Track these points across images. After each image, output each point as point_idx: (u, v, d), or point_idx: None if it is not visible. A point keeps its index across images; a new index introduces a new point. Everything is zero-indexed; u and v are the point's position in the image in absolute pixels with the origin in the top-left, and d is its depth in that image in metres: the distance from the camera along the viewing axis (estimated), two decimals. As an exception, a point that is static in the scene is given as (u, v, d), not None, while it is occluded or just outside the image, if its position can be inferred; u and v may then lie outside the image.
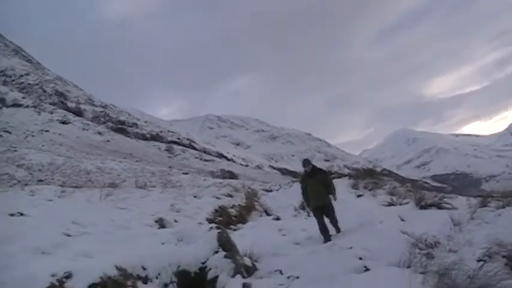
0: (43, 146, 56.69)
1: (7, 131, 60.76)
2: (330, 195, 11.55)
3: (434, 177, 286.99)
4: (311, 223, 11.38)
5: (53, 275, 6.44)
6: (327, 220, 11.46)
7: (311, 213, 12.30)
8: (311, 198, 11.56)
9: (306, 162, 11.84)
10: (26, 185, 23.14)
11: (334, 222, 11.55)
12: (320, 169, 12.10)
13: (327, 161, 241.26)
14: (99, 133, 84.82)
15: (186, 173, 46.65)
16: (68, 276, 6.60)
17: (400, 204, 14.81)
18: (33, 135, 64.43)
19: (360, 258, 8.09)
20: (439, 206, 13.03)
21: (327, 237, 11.06)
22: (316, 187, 11.43)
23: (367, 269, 7.53)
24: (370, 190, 18.90)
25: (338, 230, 11.49)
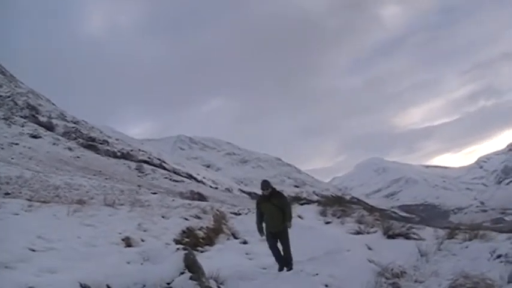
0: (12, 159, 55.96)
1: (-25, 143, 59.91)
2: (287, 223, 11.00)
3: (402, 208, 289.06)
4: (280, 247, 11.35)
5: (15, 290, 6.37)
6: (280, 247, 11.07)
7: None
8: (266, 223, 11.13)
9: (265, 185, 11.10)
10: (-9, 197, 22.76)
11: (287, 253, 11.00)
12: (279, 193, 11.40)
13: (296, 187, 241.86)
14: (70, 149, 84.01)
15: (155, 193, 46.37)
16: (31, 291, 6.52)
17: (368, 233, 14.91)
18: (2, 148, 63.58)
19: (326, 286, 8.16)
20: (406, 236, 13.16)
21: (281, 265, 10.86)
22: (273, 212, 10.92)
23: (332, 297, 7.59)
24: (338, 218, 18.95)
25: (288, 264, 10.82)
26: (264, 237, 11.38)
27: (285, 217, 10.96)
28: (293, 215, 19.84)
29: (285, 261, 10.91)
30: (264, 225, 11.28)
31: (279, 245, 11.12)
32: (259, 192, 11.09)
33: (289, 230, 11.09)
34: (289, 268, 10.63)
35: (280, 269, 10.77)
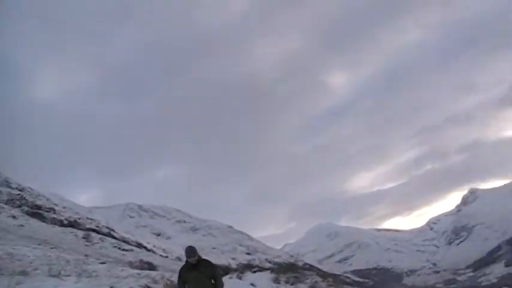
0: (-50, 228, 53.57)
1: None
2: None
3: (355, 272, 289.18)
4: None
5: None
6: None
7: None
8: None
9: (191, 251, 9.59)
10: None
11: None
12: (208, 261, 9.98)
13: (248, 254, 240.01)
14: (13, 217, 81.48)
15: (104, 263, 44.64)
16: None
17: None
18: None
19: None
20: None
21: None
22: (201, 283, 9.52)
23: None
24: (291, 284, 18.51)
25: None
26: None
27: (217, 286, 9.73)
28: (246, 283, 19.15)
29: None
30: None
31: None
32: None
33: None
34: None
35: None
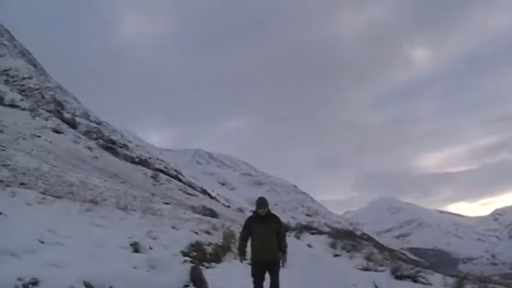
0: (32, 150, 56.28)
1: (-1, 130, 60.44)
2: (280, 253, 9.13)
3: (412, 250, 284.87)
4: (285, 275, 10.89)
5: (19, 279, 6.33)
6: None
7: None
8: (256, 249, 9.08)
9: (262, 202, 9.17)
10: (7, 185, 22.94)
11: (275, 286, 8.99)
12: (277, 217, 9.46)
13: (308, 215, 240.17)
14: (89, 148, 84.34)
15: (168, 203, 46.36)
16: (35, 283, 6.48)
17: (376, 271, 14.70)
18: (24, 138, 64.02)
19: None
20: (414, 279, 12.93)
21: None
22: (267, 237, 9.00)
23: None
24: (347, 251, 18.78)
25: None
26: (244, 263, 9.92)
27: (281, 245, 9.16)
28: (303, 243, 19.53)
29: None
30: (248, 251, 9.42)
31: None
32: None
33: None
34: None
35: None
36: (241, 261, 9.61)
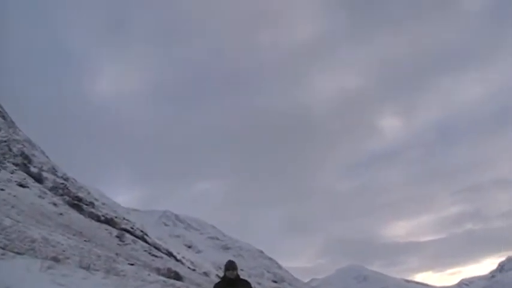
0: (-6, 204, 54.97)
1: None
2: None
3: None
4: None
5: None
6: None
7: None
8: None
9: (231, 265, 8.93)
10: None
11: None
12: (247, 281, 9.24)
13: (274, 282, 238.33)
14: (55, 204, 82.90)
15: (132, 264, 45.21)
16: None
17: None
18: (-14, 192, 62.70)
19: None
20: None
21: None
22: None
23: None
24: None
25: None
26: None
27: None
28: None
29: None
30: None
31: None
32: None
33: None
34: None
35: None
36: None
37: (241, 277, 9.12)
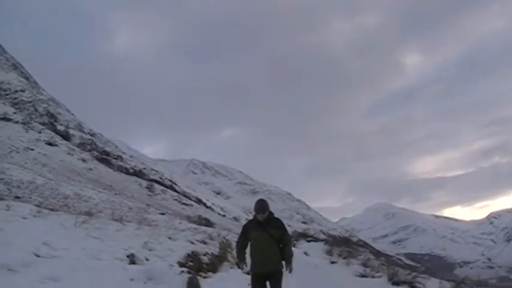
0: (26, 163, 56.20)
1: (-8, 143, 60.37)
2: (283, 262, 7.89)
3: (408, 255, 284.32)
4: (284, 283, 10.74)
5: (16, 294, 6.33)
6: None
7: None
8: (253, 261, 7.88)
9: (261, 206, 7.91)
10: (2, 199, 22.90)
11: None
12: (279, 221, 8.09)
13: (304, 223, 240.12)
14: (83, 160, 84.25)
15: (163, 214, 46.27)
16: (32, 297, 6.48)
17: (373, 277, 14.69)
18: (17, 152, 63.92)
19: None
20: (411, 285, 12.91)
21: None
22: (267, 245, 7.75)
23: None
24: (344, 258, 18.77)
25: None
26: (245, 270, 8.66)
27: (284, 254, 7.87)
28: (299, 251, 19.35)
29: None
30: (248, 260, 8.08)
31: None
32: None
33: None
34: None
35: None
36: (241, 269, 8.35)
37: (276, 217, 8.19)
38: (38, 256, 8.74)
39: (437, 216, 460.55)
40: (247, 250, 8.09)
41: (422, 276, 14.80)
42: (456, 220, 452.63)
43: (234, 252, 9.38)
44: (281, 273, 7.81)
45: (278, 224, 7.96)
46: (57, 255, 9.27)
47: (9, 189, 34.26)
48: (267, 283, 7.82)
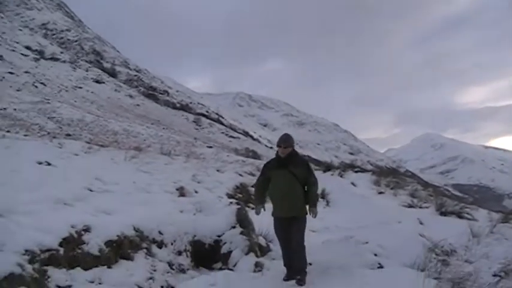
0: (75, 101, 57.28)
1: (42, 83, 61.53)
2: (307, 206, 6.89)
3: (456, 186, 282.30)
4: (330, 212, 10.88)
5: (72, 226, 6.55)
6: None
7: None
8: (273, 203, 7.01)
9: (284, 139, 6.98)
10: (54, 137, 23.46)
11: (299, 253, 6.83)
12: (301, 158, 7.17)
13: (351, 154, 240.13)
14: (130, 96, 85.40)
15: (211, 147, 46.74)
16: (87, 229, 6.71)
17: (420, 207, 14.66)
18: (66, 90, 65.13)
19: (375, 255, 8.07)
20: (459, 215, 12.84)
21: (291, 272, 6.89)
22: (290, 186, 6.80)
23: (381, 266, 7.52)
24: (391, 189, 18.70)
25: (300, 272, 6.74)
26: (261, 211, 7.26)
27: (309, 198, 6.90)
28: (347, 181, 19.38)
29: (294, 266, 6.86)
30: (269, 201, 7.16)
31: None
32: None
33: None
34: (301, 280, 6.63)
35: (287, 278, 6.89)
36: (257, 213, 7.30)
37: (300, 155, 7.28)
38: (91, 190, 8.99)
39: (486, 147, 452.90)
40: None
41: (470, 207, 14.69)
42: (505, 151, 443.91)
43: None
44: (303, 220, 6.92)
45: (302, 161, 7.06)
46: (109, 190, 9.52)
47: (60, 127, 35.07)
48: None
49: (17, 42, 79.91)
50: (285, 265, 7.06)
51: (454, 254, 8.52)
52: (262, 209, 7.19)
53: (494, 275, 6.91)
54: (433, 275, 5.93)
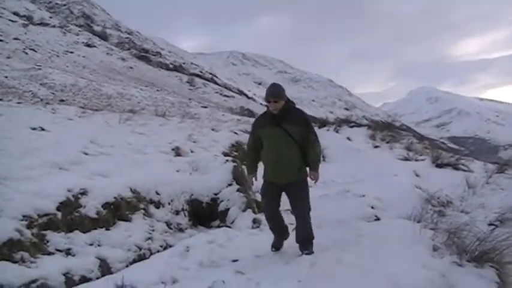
0: (67, 67, 56.82)
1: (32, 49, 60.88)
2: (307, 168, 5.68)
3: (451, 139, 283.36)
4: (326, 167, 10.84)
5: (69, 190, 6.57)
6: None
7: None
8: (265, 167, 5.79)
9: (273, 91, 5.55)
10: (47, 103, 23.37)
11: (303, 223, 5.65)
12: (298, 112, 5.76)
13: (346, 109, 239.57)
14: (123, 59, 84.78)
15: (205, 107, 46.68)
16: (83, 192, 6.73)
17: (416, 160, 14.73)
18: (57, 56, 64.52)
19: (372, 207, 8.13)
20: (455, 167, 12.93)
21: (278, 240, 5.96)
22: (284, 146, 5.54)
23: (377, 219, 7.59)
24: (387, 143, 18.74)
25: (307, 245, 5.59)
26: (255, 182, 6.12)
27: (308, 158, 5.65)
28: (342, 136, 19.41)
29: (299, 237, 5.69)
30: (261, 165, 5.92)
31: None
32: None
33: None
34: (308, 250, 5.51)
35: (277, 248, 5.97)
36: (251, 184, 6.42)
37: (297, 108, 5.89)
38: (86, 154, 8.98)
39: (481, 99, 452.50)
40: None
41: (466, 159, 14.78)
42: (501, 102, 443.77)
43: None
44: (303, 184, 5.69)
45: (298, 116, 5.68)
46: (105, 152, 9.51)
47: (53, 93, 34.82)
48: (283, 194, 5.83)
49: (4, 8, 78.72)
50: (271, 229, 6.00)
51: (450, 205, 8.63)
52: (253, 179, 6.05)
53: (490, 224, 7.00)
54: (429, 225, 5.96)
